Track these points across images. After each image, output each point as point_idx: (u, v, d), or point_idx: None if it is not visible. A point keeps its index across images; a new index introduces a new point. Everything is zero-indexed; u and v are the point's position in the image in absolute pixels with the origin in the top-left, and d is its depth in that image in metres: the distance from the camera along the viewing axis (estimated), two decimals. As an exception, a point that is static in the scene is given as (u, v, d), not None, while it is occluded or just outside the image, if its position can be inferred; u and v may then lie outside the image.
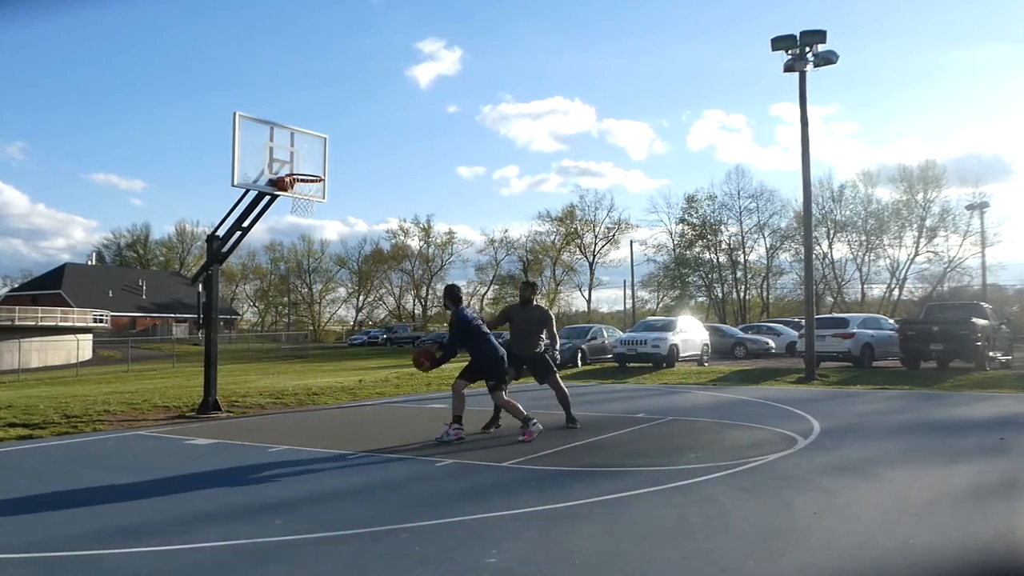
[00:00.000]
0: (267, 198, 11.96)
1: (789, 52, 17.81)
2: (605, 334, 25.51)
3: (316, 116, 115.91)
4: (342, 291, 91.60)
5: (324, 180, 12.58)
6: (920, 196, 58.29)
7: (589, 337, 24.55)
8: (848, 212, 61.55)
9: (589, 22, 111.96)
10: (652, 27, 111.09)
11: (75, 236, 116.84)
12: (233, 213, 11.96)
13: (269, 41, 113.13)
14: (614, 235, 74.52)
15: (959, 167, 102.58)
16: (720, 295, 66.31)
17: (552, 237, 76.60)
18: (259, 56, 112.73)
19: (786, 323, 33.33)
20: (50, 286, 69.82)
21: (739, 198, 64.26)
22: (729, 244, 66.01)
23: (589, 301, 76.06)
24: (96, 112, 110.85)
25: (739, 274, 66.18)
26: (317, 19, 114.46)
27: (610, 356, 23.41)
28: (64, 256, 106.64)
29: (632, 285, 61.47)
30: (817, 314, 21.80)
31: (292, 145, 12.18)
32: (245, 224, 12.08)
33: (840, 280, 62.44)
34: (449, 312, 9.09)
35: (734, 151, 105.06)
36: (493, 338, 8.85)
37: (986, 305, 22.67)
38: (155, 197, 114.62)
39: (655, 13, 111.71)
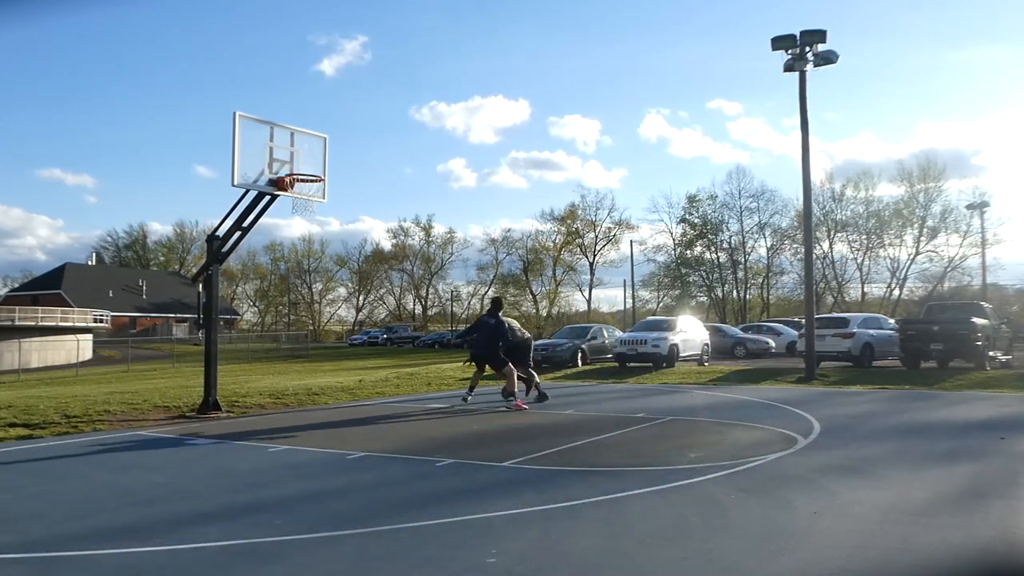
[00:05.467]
0: (267, 198, 11.96)
1: (789, 52, 17.79)
2: (605, 334, 25.49)
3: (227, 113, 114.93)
4: (342, 291, 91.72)
5: (324, 180, 12.59)
6: (920, 194, 58.18)
7: (589, 337, 24.53)
8: (849, 212, 61.56)
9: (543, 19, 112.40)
10: (625, 26, 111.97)
11: (41, 234, 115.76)
12: (233, 213, 11.96)
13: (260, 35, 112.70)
14: (615, 235, 74.58)
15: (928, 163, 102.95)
16: (720, 295, 66.30)
17: (554, 237, 76.68)
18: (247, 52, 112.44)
19: (786, 323, 33.30)
20: (50, 286, 69.86)
21: (739, 198, 64.28)
22: (730, 244, 66.04)
23: (589, 301, 76.08)
24: (38, 108, 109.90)
25: (740, 274, 66.17)
26: (224, 15, 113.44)
27: (610, 356, 23.40)
28: (40, 256, 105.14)
29: (632, 285, 61.53)
30: (817, 314, 21.77)
31: (292, 145, 12.18)
32: (245, 224, 12.08)
33: (840, 280, 62.37)
34: None
35: (687, 146, 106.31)
36: None
37: (986, 305, 22.65)
38: (108, 194, 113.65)
39: (622, 11, 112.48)
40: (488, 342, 12.50)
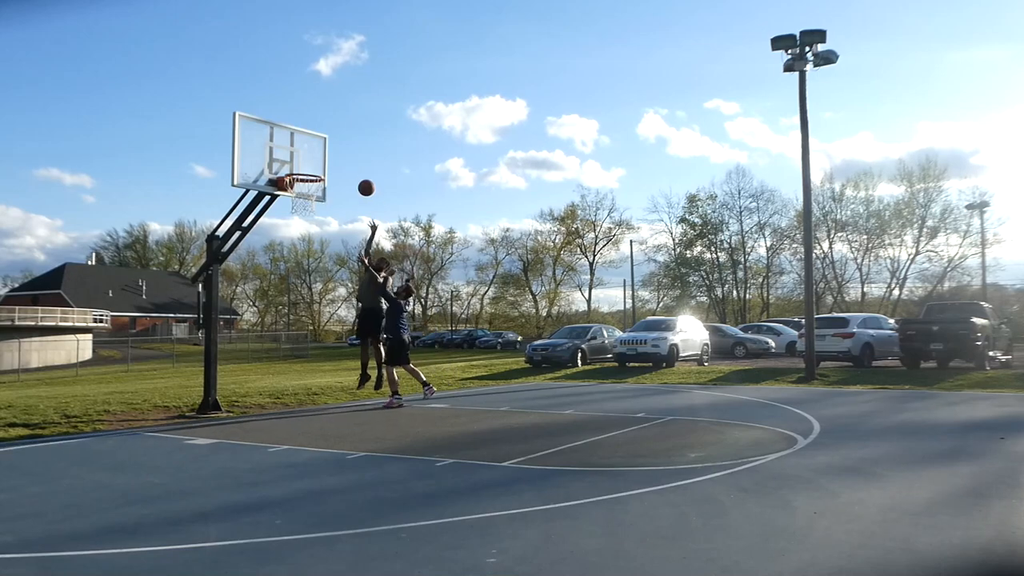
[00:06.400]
0: (267, 198, 11.96)
1: (789, 52, 17.80)
2: (605, 334, 25.50)
3: (224, 113, 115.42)
4: (342, 291, 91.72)
5: (324, 180, 12.59)
6: (920, 194, 58.14)
7: (589, 337, 24.54)
8: (848, 212, 61.57)
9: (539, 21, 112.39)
10: (621, 25, 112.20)
11: (40, 234, 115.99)
12: (233, 213, 11.96)
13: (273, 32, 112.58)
14: (615, 235, 74.61)
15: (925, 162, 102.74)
16: (720, 295, 66.34)
17: (554, 237, 76.70)
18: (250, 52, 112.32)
19: (786, 323, 33.33)
20: (50, 286, 69.90)
21: (739, 198, 64.38)
22: (730, 244, 66.08)
23: (589, 301, 76.16)
24: (36, 107, 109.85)
25: (739, 274, 66.20)
26: (220, 14, 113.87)
27: (610, 356, 23.41)
28: (39, 256, 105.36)
29: (632, 285, 61.54)
30: (817, 314, 21.78)
31: (292, 145, 12.17)
32: (245, 224, 12.08)
33: (840, 280, 62.40)
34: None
35: (686, 146, 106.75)
36: None
37: (986, 305, 22.66)
38: (106, 193, 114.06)
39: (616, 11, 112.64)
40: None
